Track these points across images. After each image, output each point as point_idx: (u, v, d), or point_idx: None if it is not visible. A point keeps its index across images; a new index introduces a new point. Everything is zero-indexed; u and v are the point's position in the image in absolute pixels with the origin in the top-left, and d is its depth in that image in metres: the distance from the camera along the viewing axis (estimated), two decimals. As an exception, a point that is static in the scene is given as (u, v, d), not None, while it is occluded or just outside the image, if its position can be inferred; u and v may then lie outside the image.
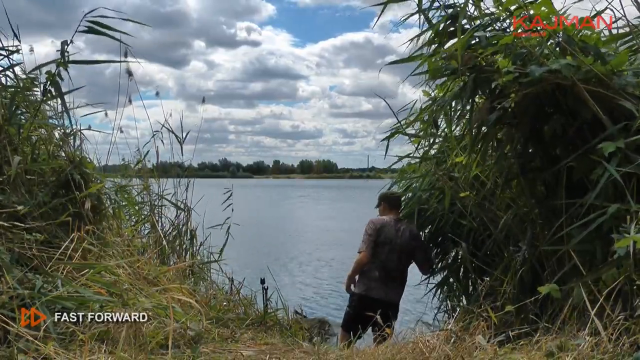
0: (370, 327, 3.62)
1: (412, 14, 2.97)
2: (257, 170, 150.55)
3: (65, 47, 2.71)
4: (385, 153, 3.72)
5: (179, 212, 4.23)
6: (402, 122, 3.80)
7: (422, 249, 3.94)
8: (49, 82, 2.76)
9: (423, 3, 2.91)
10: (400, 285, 3.84)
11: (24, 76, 3.09)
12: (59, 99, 3.03)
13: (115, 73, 3.71)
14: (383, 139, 3.70)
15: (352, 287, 3.88)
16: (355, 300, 3.80)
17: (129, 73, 3.86)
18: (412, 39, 3.06)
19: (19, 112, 2.95)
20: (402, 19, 3.02)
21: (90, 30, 2.73)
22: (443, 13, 2.86)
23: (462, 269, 4.03)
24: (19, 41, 2.85)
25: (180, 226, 4.20)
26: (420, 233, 4.04)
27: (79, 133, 3.28)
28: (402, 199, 4.30)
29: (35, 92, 3.21)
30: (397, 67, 3.09)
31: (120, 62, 3.36)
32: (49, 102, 3.19)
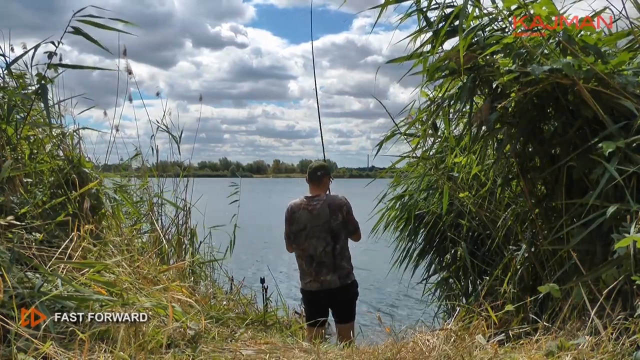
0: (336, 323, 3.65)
1: (410, 14, 2.95)
2: (257, 169, 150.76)
3: (55, 49, 2.68)
4: (375, 155, 3.73)
5: (178, 210, 4.23)
6: (399, 124, 3.80)
7: (350, 220, 3.49)
8: (39, 85, 2.74)
9: (421, 3, 2.90)
10: (335, 268, 3.41)
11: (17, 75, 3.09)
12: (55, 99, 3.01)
13: (103, 73, 3.72)
14: (378, 144, 3.70)
15: None
16: (302, 297, 3.73)
17: (129, 72, 3.87)
18: (412, 36, 3.03)
19: (16, 111, 2.95)
20: (399, 20, 3.00)
21: (77, 32, 2.68)
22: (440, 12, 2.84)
23: (461, 269, 4.04)
24: (9, 43, 2.85)
25: (180, 225, 4.19)
26: (346, 200, 3.50)
27: (76, 133, 3.27)
28: (401, 200, 4.31)
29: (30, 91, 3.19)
30: (386, 66, 3.07)
31: (105, 69, 3.42)
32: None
